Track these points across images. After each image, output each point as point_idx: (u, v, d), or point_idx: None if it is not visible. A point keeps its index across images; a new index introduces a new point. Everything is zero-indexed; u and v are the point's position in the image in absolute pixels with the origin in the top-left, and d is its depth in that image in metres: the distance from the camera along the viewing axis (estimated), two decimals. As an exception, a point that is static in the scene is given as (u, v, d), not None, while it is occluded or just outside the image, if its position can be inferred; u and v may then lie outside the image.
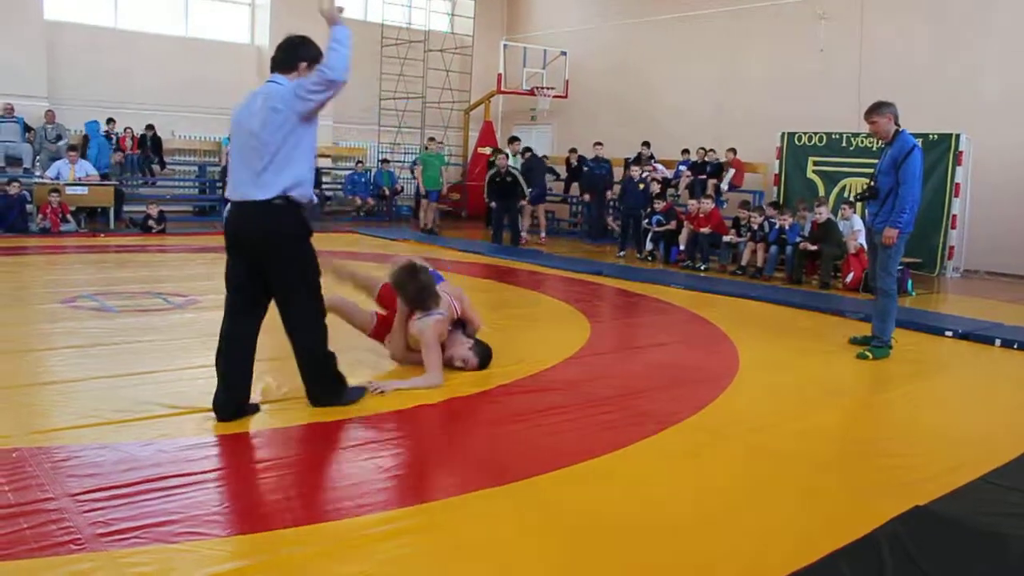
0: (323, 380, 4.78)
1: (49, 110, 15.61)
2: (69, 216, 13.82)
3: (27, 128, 15.43)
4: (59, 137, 15.36)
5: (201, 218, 16.84)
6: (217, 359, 4.58)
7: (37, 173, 14.61)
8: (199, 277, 9.36)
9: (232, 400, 4.53)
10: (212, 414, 4.54)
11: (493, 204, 14.95)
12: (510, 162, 15.28)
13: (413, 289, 5.51)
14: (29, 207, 13.82)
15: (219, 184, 16.92)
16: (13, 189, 13.50)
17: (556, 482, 3.87)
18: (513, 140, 16.67)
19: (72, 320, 6.96)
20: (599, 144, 16.06)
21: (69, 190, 13.98)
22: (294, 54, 4.57)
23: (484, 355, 5.79)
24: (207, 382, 4.78)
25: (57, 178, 14.09)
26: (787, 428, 4.89)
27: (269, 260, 4.48)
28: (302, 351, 4.69)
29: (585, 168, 16.47)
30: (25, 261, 10.71)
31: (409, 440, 4.45)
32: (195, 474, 3.76)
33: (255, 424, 4.48)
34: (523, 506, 3.60)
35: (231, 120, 4.60)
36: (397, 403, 4.94)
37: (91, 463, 3.84)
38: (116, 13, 17.20)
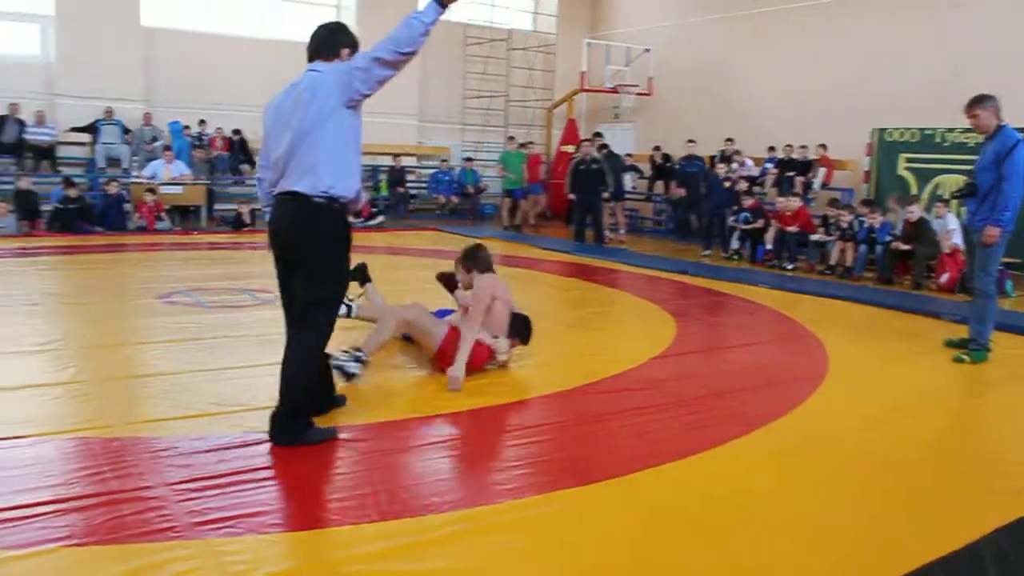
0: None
1: (146, 112, 16.16)
2: (164, 214, 14.26)
3: (125, 130, 15.98)
4: (155, 138, 15.86)
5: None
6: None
7: (134, 173, 15.10)
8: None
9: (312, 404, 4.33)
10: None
11: (573, 196, 14.64)
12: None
13: (482, 256, 5.88)
14: (127, 206, 14.31)
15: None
16: (112, 189, 14.01)
17: (643, 482, 3.84)
18: (596, 135, 16.52)
19: (168, 315, 7.18)
20: (692, 142, 15.80)
21: (164, 189, 14.41)
22: (335, 40, 4.26)
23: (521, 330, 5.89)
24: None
25: (153, 178, 14.55)
26: (881, 431, 4.76)
27: (300, 259, 4.11)
28: (284, 366, 4.17)
29: (676, 166, 16.30)
30: (123, 258, 11.08)
31: (494, 438, 4.46)
32: (285, 467, 3.83)
33: (341, 420, 4.54)
34: (609, 506, 3.57)
35: (265, 112, 4.25)
36: (483, 400, 4.96)
37: (187, 453, 3.94)
38: (208, 18, 17.67)
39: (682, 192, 15.94)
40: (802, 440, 4.53)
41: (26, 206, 13.15)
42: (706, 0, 18.26)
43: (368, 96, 4.03)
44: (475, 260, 5.90)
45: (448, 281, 6.36)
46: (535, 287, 10.10)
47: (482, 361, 5.47)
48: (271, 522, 3.27)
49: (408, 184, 18.54)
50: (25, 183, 13.33)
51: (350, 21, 18.61)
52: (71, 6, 15.72)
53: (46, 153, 15.36)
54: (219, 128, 16.57)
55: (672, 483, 3.86)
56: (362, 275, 6.55)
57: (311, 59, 4.24)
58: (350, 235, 4.18)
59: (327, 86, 4.01)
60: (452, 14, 18.88)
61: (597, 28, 21.07)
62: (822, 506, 3.68)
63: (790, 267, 12.06)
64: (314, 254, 4.07)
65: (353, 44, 4.28)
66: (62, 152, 15.76)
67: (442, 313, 6.23)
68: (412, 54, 3.93)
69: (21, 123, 15.16)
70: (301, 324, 4.15)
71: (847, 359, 6.47)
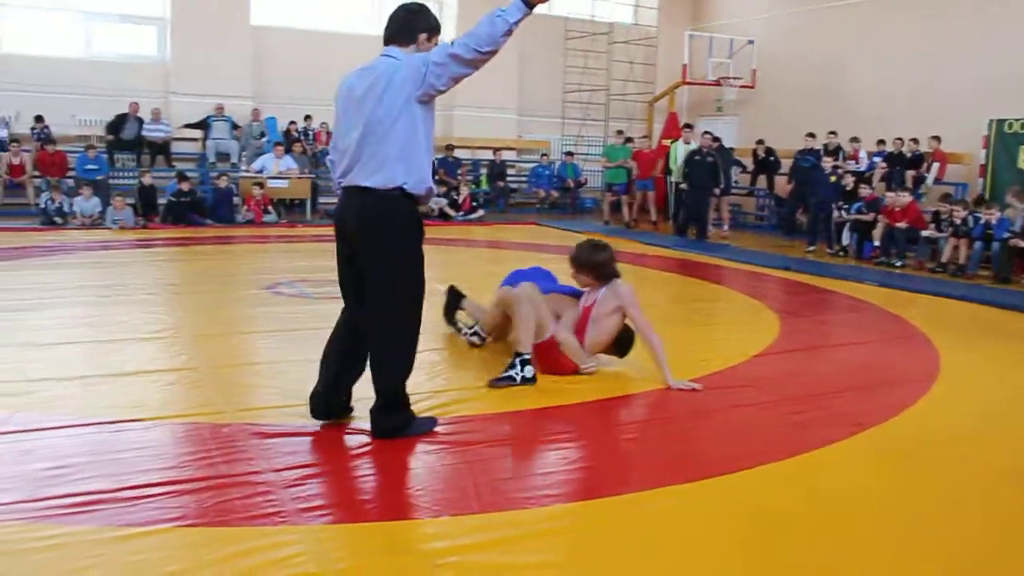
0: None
1: (255, 108, 16.65)
2: (271, 207, 14.66)
3: (234, 126, 16.51)
4: (262, 134, 16.33)
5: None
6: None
7: (243, 167, 15.58)
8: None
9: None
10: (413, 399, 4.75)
11: (684, 186, 14.38)
12: (680, 150, 15.01)
13: (605, 258, 5.45)
14: (236, 199, 14.79)
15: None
16: (222, 183, 14.50)
17: (746, 481, 3.76)
18: (687, 127, 16.24)
19: (274, 305, 7.38)
20: (810, 135, 15.34)
21: (271, 183, 14.84)
22: (412, 24, 3.98)
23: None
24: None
25: (262, 171, 14.99)
26: (996, 440, 4.55)
27: (366, 254, 3.97)
28: (375, 376, 4.11)
29: (792, 158, 15.91)
30: (232, 250, 11.44)
31: (596, 433, 4.44)
32: (388, 456, 3.89)
33: (438, 411, 4.59)
34: (712, 504, 3.52)
35: (338, 94, 4.03)
36: (585, 395, 4.94)
37: (293, 441, 4.04)
38: (315, 16, 18.09)
39: (789, 187, 15.51)
40: (911, 444, 4.37)
41: (146, 201, 13.72)
42: (812, -11, 17.79)
43: (443, 92, 3.86)
44: (606, 267, 5.45)
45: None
46: (636, 283, 10.00)
47: (566, 371, 5.32)
48: (373, 510, 3.33)
49: (508, 178, 18.62)
50: (148, 179, 13.90)
51: (451, 17, 18.80)
52: (185, 8, 16.33)
53: (161, 149, 16.00)
54: (324, 123, 16.94)
55: (775, 483, 3.77)
56: (455, 297, 6.31)
57: (387, 43, 4.01)
58: (423, 229, 4.03)
59: (402, 78, 3.78)
60: (552, 8, 18.95)
61: (699, 20, 20.74)
62: (931, 513, 3.54)
63: (899, 264, 11.67)
64: (385, 248, 3.91)
65: (432, 28, 4.01)
66: (176, 148, 16.40)
67: (567, 290, 5.84)
68: (492, 53, 3.72)
69: (140, 120, 15.82)
70: (378, 325, 4.04)
71: (960, 361, 6.21)
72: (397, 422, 4.11)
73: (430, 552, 3.00)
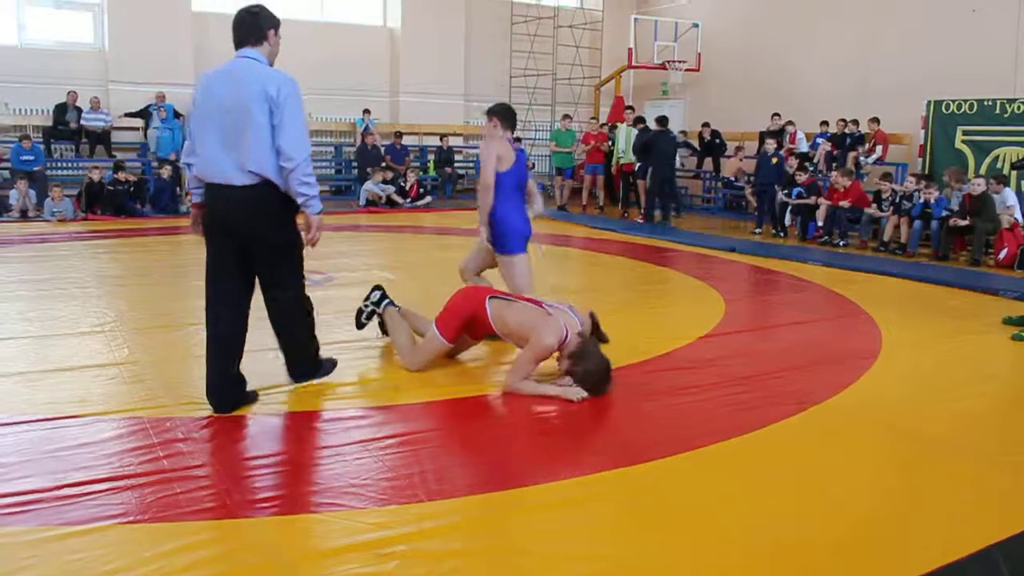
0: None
1: (197, 96, 16.33)
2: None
3: (176, 115, 16.19)
4: (206, 122, 16.04)
5: (337, 197, 17.28)
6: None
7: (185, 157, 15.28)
8: (335, 255, 9.59)
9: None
10: (356, 387, 4.78)
11: (639, 166, 14.77)
12: (624, 133, 15.17)
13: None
14: (178, 190, 14.54)
15: (354, 164, 17.32)
16: (165, 173, 14.23)
17: (690, 463, 3.81)
18: (628, 108, 16.38)
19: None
20: (777, 115, 15.55)
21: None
22: (260, 25, 4.33)
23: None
24: (348, 357, 5.01)
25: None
26: (937, 412, 4.65)
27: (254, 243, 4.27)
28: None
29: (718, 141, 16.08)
30: (176, 241, 11.23)
31: (540, 418, 4.44)
32: (329, 447, 3.87)
33: (388, 400, 4.58)
34: (657, 486, 3.55)
35: (200, 93, 4.29)
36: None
37: (236, 433, 4.01)
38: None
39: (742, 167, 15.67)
40: (853, 420, 4.46)
41: (93, 195, 13.36)
42: (755, -28, 17.93)
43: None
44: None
45: None
46: (583, 266, 10.06)
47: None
48: (316, 501, 3.30)
49: (455, 164, 18.55)
50: (96, 175, 13.46)
51: (395, 2, 18.64)
52: (123, -8, 15.95)
53: (101, 138, 15.64)
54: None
55: (721, 463, 3.82)
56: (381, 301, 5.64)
57: (240, 46, 4.32)
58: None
59: (281, 95, 4.12)
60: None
61: (644, 4, 20.80)
62: (874, 487, 3.62)
63: (842, 244, 11.86)
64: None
65: (276, 23, 4.38)
66: (116, 137, 16.05)
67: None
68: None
69: (79, 110, 15.46)
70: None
71: (901, 338, 6.34)
72: (315, 367, 4.76)
73: (376, 542, 2.99)
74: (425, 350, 5.07)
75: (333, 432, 4.08)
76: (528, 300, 5.06)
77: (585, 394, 4.66)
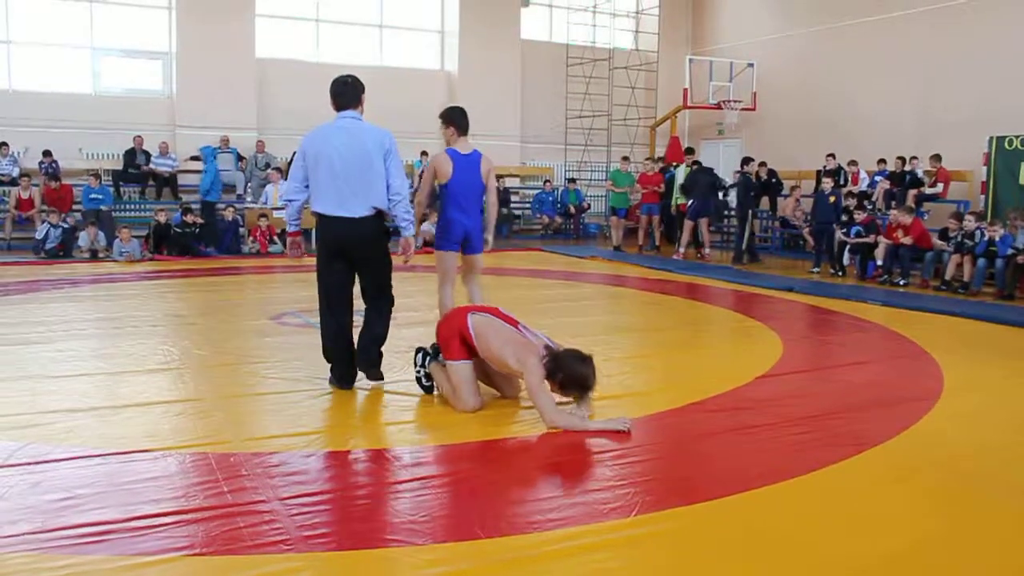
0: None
1: (259, 140, 16.81)
2: (276, 238, 14.77)
3: (240, 158, 16.66)
4: (267, 165, 16.48)
5: (395, 237, 17.46)
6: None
7: (248, 199, 15.70)
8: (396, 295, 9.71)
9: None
10: (414, 426, 4.88)
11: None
12: (681, 173, 15.39)
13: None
14: (241, 230, 14.90)
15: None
16: (228, 214, 14.61)
17: (750, 503, 3.79)
18: (688, 152, 16.43)
19: (280, 335, 7.45)
20: (831, 155, 15.43)
21: (276, 214, 14.94)
22: (357, 91, 5.45)
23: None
24: (400, 399, 5.15)
25: (266, 202, 15.11)
26: (1000, 455, 4.57)
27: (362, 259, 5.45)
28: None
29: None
30: (239, 281, 11.52)
31: (601, 457, 4.47)
32: (388, 484, 3.94)
33: (433, 439, 4.64)
34: (716, 526, 3.55)
35: (317, 145, 5.33)
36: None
37: (298, 470, 4.09)
38: (317, 48, 18.31)
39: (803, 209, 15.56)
40: (914, 462, 4.40)
41: (160, 236, 13.77)
42: (809, 11, 17.96)
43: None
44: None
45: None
46: (638, 306, 10.07)
47: None
48: (375, 536, 3.36)
49: (512, 205, 18.73)
50: (162, 217, 13.90)
51: (453, 45, 19.00)
52: (190, 42, 16.56)
53: (168, 181, 16.14)
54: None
55: (780, 504, 3.80)
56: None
57: (341, 108, 5.42)
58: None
59: (385, 148, 5.36)
60: (554, 35, 19.15)
61: (699, 44, 20.92)
62: (934, 531, 3.57)
63: (902, 283, 11.69)
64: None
65: (364, 89, 5.50)
66: (182, 180, 16.54)
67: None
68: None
69: (147, 154, 15.99)
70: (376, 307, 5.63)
71: (964, 379, 6.24)
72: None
73: (438, 576, 3.03)
74: (458, 384, 5.14)
75: (392, 469, 4.15)
76: (504, 318, 5.20)
77: (630, 422, 4.72)
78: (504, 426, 4.89)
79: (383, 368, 5.66)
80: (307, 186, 5.36)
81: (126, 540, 3.25)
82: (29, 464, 4.06)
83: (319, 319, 5.57)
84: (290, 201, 5.48)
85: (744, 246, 14.47)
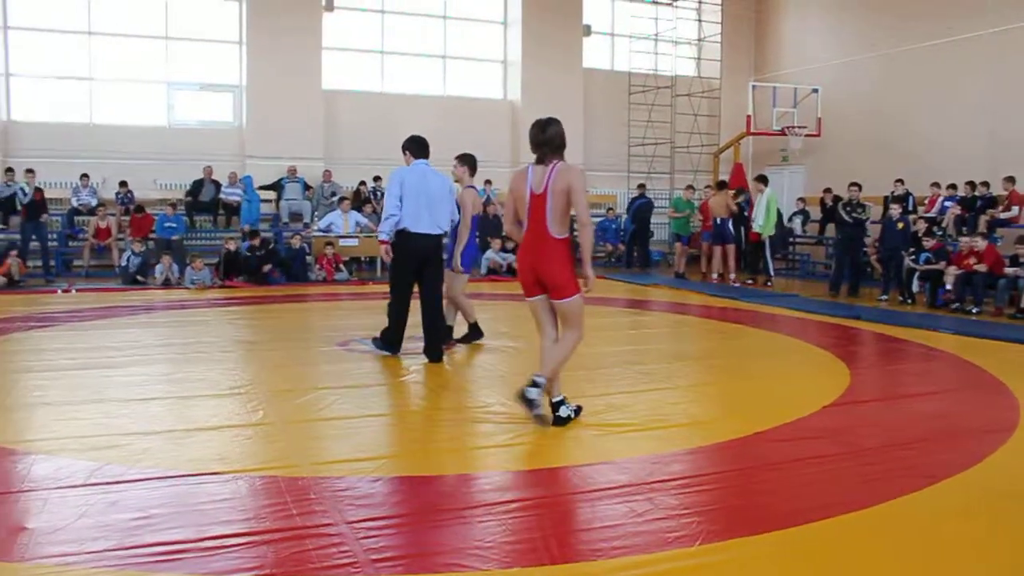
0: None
1: (327, 170, 17.15)
2: (342, 266, 15.01)
3: (306, 187, 17.00)
4: (334, 194, 16.79)
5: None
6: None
7: (315, 227, 16.01)
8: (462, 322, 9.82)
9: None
10: (478, 452, 4.93)
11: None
12: (767, 198, 15.03)
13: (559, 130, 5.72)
14: (308, 258, 15.19)
15: (477, 234, 17.70)
16: (295, 242, 14.91)
17: (817, 534, 3.74)
18: (759, 178, 16.14)
19: (346, 362, 7.56)
20: (900, 181, 15.12)
21: (342, 242, 15.22)
22: (427, 147, 7.52)
23: None
24: (465, 425, 5.06)
25: (330, 228, 15.39)
26: (1079, 488, 4.44)
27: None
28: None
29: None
30: (306, 307, 11.74)
31: (665, 485, 4.45)
32: (457, 508, 3.98)
33: (499, 465, 4.67)
34: (778, 558, 3.51)
35: (415, 180, 7.24)
36: (655, 447, 4.97)
37: (366, 494, 4.16)
38: (382, 79, 18.65)
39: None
40: (988, 496, 4.29)
41: (230, 263, 14.09)
42: (874, 36, 17.75)
43: None
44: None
45: None
46: (702, 334, 10.00)
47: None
48: (445, 561, 3.40)
49: (574, 233, 18.69)
50: (232, 245, 14.26)
51: (516, 75, 19.18)
52: (260, 76, 17.01)
53: (237, 210, 16.52)
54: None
55: (847, 536, 3.74)
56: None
57: (420, 156, 7.46)
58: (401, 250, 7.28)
59: (452, 192, 7.58)
60: (616, 64, 19.24)
61: (762, 70, 20.81)
62: (1007, 567, 3.48)
63: (975, 311, 11.41)
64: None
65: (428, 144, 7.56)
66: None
67: None
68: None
69: (217, 184, 16.42)
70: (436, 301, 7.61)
71: (1040, 409, 6.07)
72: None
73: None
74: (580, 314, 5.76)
75: (458, 495, 4.19)
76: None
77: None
78: (568, 453, 4.90)
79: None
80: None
81: (199, 559, 3.33)
82: (107, 484, 4.19)
83: (391, 309, 7.52)
84: (391, 216, 7.15)
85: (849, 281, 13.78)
